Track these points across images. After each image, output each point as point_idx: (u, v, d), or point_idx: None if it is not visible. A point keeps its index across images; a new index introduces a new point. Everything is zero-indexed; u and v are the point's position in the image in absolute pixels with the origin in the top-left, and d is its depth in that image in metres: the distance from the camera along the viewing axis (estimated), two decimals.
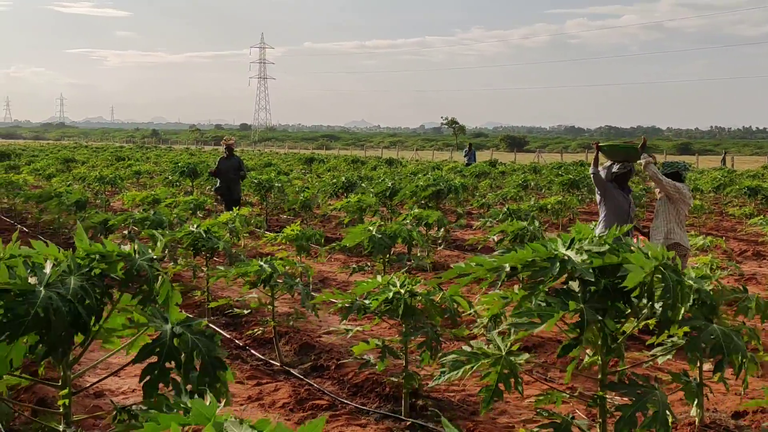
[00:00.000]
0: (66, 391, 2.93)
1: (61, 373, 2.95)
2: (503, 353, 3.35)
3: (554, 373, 5.88)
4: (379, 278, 4.84)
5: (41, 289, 2.54)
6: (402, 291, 4.60)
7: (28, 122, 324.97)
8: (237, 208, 11.25)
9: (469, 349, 3.47)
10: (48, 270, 2.78)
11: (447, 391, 5.40)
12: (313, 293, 7.02)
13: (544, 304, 3.04)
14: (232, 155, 14.02)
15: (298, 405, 5.08)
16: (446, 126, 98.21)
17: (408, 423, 4.78)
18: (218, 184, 13.95)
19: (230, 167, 13.80)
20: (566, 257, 3.17)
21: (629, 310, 3.17)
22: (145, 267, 2.91)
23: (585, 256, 3.09)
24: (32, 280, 2.67)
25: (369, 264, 9.43)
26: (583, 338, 2.82)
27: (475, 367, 3.29)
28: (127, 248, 2.94)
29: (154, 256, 2.94)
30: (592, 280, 2.96)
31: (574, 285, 3.25)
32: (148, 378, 2.48)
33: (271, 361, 6.15)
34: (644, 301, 3.14)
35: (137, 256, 2.88)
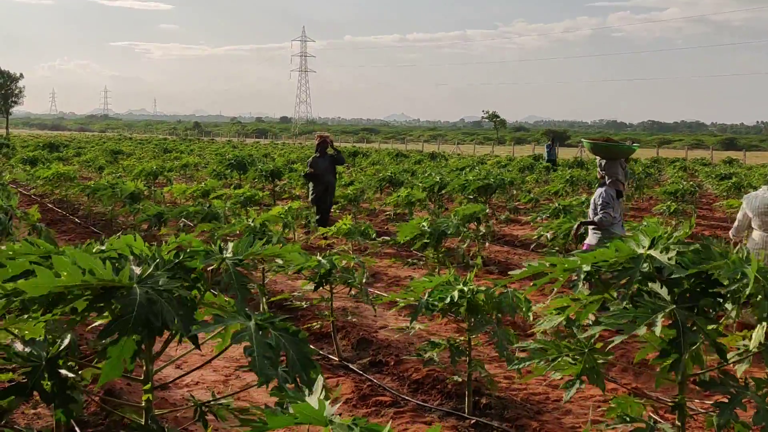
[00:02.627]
0: (149, 385, 2.95)
1: (144, 367, 2.98)
2: (586, 349, 3.32)
3: (615, 373, 5.80)
4: (439, 275, 4.82)
5: (136, 285, 2.55)
6: (466, 289, 4.57)
7: (73, 114, 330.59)
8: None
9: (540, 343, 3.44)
10: (136, 266, 2.81)
11: (509, 389, 5.36)
12: (369, 289, 7.05)
13: (630, 306, 2.98)
14: (327, 153, 12.19)
15: (361, 401, 5.08)
16: (487, 120, 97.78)
17: (472, 421, 4.75)
18: (312, 189, 12.07)
19: (326, 167, 12.04)
20: (651, 256, 3.11)
21: (714, 312, 3.11)
22: (230, 265, 2.92)
23: (671, 254, 3.03)
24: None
25: (422, 259, 9.43)
26: (684, 342, 2.76)
27: (558, 359, 3.27)
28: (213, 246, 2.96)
29: (241, 257, 2.94)
30: (683, 279, 2.91)
31: (656, 286, 3.19)
32: (252, 358, 2.47)
33: (329, 355, 6.16)
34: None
35: (225, 254, 2.89)
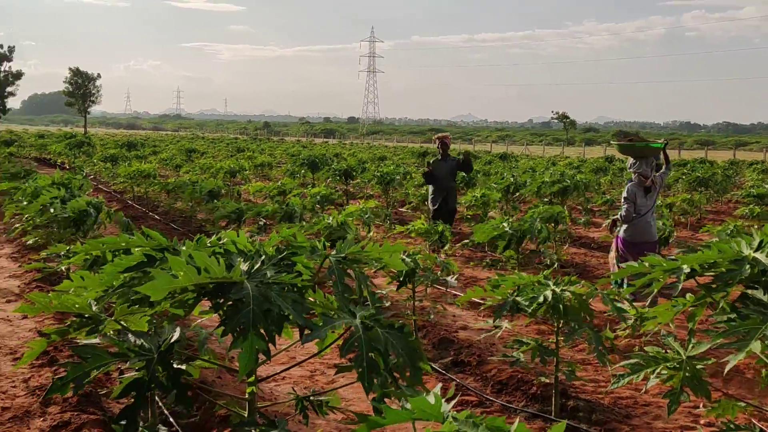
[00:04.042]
0: (253, 378, 3.01)
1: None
2: (684, 357, 3.25)
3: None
4: (524, 275, 4.77)
5: (246, 280, 2.60)
6: (558, 290, 4.52)
7: (147, 113, 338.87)
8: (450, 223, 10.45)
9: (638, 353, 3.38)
10: (242, 261, 2.86)
11: (595, 392, 5.29)
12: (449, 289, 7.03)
13: (734, 316, 2.91)
14: (448, 155, 11.21)
15: (446, 401, 5.06)
16: (556, 120, 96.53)
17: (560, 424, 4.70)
18: (431, 193, 11.12)
19: (447, 171, 11.00)
20: (756, 259, 3.03)
21: None
22: (333, 262, 2.96)
23: None
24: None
25: (501, 260, 9.36)
26: None
27: (657, 371, 3.20)
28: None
29: (343, 254, 2.97)
30: None
31: (758, 293, 3.10)
32: (361, 371, 2.49)
33: None
34: None
35: (328, 251, 2.93)
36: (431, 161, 11.15)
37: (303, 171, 18.14)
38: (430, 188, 11.09)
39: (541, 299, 4.41)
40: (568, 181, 12.24)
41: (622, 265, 4.08)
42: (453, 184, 11.04)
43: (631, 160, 7.77)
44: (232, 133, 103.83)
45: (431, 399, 1.98)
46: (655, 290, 3.50)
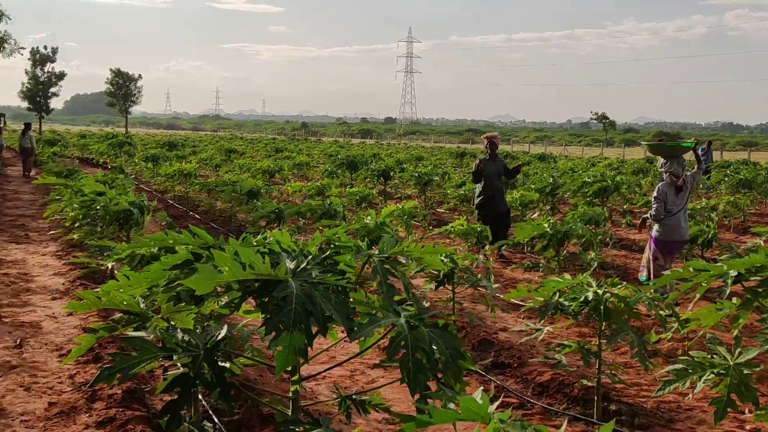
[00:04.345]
0: (297, 376, 3.02)
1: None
2: (731, 363, 3.20)
3: None
4: (566, 276, 4.73)
5: (291, 279, 2.61)
6: (600, 292, 4.48)
7: (186, 114, 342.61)
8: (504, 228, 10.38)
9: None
10: (288, 260, 2.88)
11: (638, 396, 5.22)
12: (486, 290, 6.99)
13: None
14: (497, 155, 10.99)
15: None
16: (595, 121, 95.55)
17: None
18: (478, 195, 10.82)
19: (495, 171, 10.76)
20: None
21: None
22: (377, 262, 2.96)
23: None
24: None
25: (540, 262, 9.30)
26: None
27: (703, 378, 3.16)
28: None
29: (387, 254, 2.98)
30: None
31: None
32: (407, 370, 2.49)
33: None
34: None
35: (373, 251, 2.94)
36: (478, 160, 10.97)
37: (341, 171, 18.21)
38: (477, 187, 10.89)
39: (582, 300, 4.37)
40: (609, 182, 12.11)
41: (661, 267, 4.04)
42: (500, 184, 10.83)
43: (661, 159, 7.85)
44: (270, 133, 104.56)
45: (477, 399, 1.97)
46: (698, 295, 3.46)
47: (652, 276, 7.66)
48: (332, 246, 3.04)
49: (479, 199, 10.76)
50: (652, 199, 7.80)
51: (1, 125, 25.17)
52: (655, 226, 7.74)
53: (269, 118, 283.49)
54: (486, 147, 11.05)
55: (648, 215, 7.85)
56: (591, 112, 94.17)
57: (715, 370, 3.20)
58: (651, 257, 7.78)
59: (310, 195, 12.91)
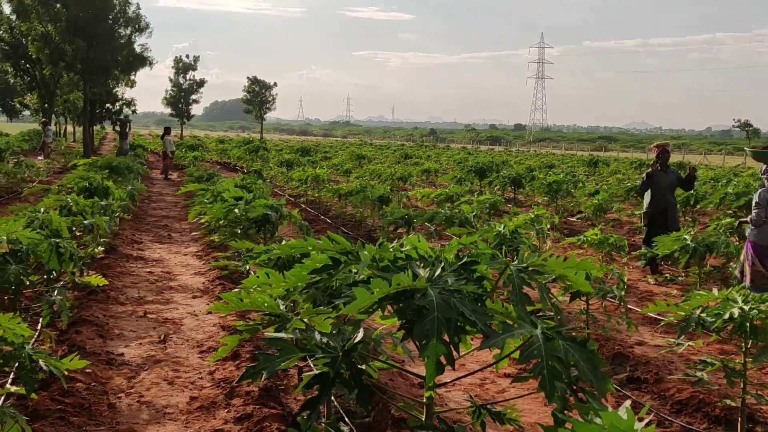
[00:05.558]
0: (432, 382, 3.03)
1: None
2: None
3: None
4: (714, 291, 4.52)
5: (429, 287, 2.62)
6: (746, 308, 4.25)
7: (317, 120, 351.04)
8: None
9: None
10: (422, 267, 2.89)
11: None
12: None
13: None
14: (668, 167, 10.18)
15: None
16: (738, 129, 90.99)
17: None
18: (648, 206, 10.04)
19: (667, 184, 9.96)
20: None
21: None
22: (513, 271, 2.93)
23: None
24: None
25: (680, 274, 8.94)
26: None
27: None
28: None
29: (525, 264, 2.94)
30: None
31: None
32: (542, 378, 2.46)
33: None
34: None
35: (510, 259, 2.91)
36: (648, 171, 10.12)
37: (470, 178, 18.14)
38: (646, 199, 10.07)
39: (726, 316, 4.16)
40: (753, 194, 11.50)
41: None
42: (672, 198, 10.01)
43: (764, 166, 7.71)
44: (399, 139, 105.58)
45: (623, 414, 1.91)
46: None
47: (748, 281, 7.39)
48: (469, 254, 3.02)
49: (649, 213, 9.97)
50: (753, 204, 7.70)
51: (127, 131, 26.54)
52: (754, 231, 7.62)
53: (398, 125, 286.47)
54: (656, 157, 10.15)
55: (748, 219, 7.74)
56: (733, 120, 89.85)
57: None
58: (749, 263, 7.61)
59: (439, 201, 12.93)
